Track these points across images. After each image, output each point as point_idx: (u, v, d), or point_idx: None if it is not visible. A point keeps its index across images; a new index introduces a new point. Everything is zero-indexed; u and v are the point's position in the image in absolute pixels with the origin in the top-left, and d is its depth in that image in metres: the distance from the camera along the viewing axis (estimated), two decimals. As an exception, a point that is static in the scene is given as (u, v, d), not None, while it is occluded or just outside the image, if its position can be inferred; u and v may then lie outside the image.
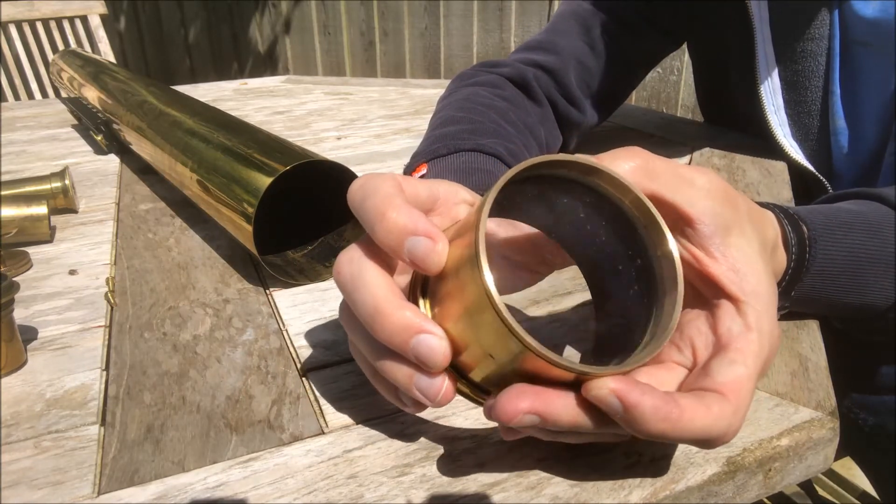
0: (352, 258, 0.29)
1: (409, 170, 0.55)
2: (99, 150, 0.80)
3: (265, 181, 0.44)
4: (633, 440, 0.30)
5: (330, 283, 0.47)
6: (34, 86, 1.63)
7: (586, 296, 0.44)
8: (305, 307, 0.44)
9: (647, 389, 0.25)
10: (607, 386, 0.25)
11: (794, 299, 0.38)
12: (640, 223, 0.29)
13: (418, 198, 0.31)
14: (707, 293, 0.30)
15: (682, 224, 0.30)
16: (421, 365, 0.27)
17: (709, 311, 0.30)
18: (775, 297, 0.30)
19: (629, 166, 0.29)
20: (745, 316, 0.29)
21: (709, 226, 0.29)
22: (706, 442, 0.27)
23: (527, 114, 0.65)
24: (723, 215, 0.30)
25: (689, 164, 0.68)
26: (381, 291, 0.28)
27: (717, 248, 0.30)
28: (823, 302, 0.39)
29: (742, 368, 0.28)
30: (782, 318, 0.40)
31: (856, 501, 1.03)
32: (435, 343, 0.27)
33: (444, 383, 0.28)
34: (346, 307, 0.31)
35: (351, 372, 0.37)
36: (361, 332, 0.30)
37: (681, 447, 0.31)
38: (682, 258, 0.30)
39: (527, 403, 0.26)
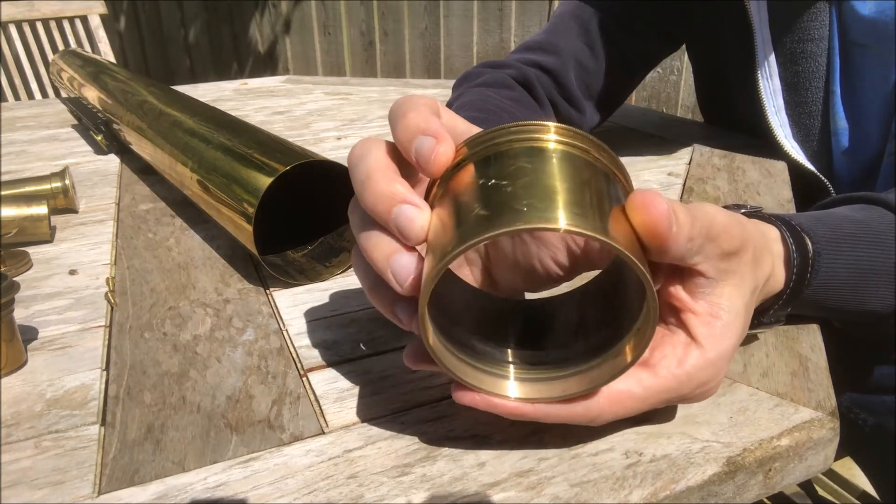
0: (367, 141, 0.31)
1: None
2: (99, 150, 0.80)
3: (265, 181, 0.44)
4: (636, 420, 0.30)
5: (330, 283, 0.47)
6: (34, 86, 1.63)
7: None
8: (305, 307, 0.44)
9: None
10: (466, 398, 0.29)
11: (793, 307, 0.38)
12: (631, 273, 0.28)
13: (456, 129, 0.32)
14: (672, 319, 0.31)
15: (687, 271, 0.30)
16: (401, 236, 0.28)
17: (661, 325, 0.31)
18: (730, 354, 0.31)
19: (694, 228, 0.28)
20: (688, 357, 0.30)
21: (710, 280, 0.30)
22: (575, 423, 0.30)
23: (535, 116, 0.65)
24: (727, 270, 0.30)
25: (689, 164, 0.68)
26: (380, 164, 0.29)
27: (706, 297, 0.30)
28: (824, 309, 0.39)
29: (637, 390, 0.29)
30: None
31: (856, 501, 1.03)
32: (414, 213, 0.27)
33: (416, 265, 0.28)
34: (354, 200, 0.31)
35: (351, 372, 0.37)
36: (358, 213, 0.30)
37: (681, 448, 0.31)
38: (667, 294, 0.31)
39: (422, 365, 0.30)
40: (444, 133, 0.28)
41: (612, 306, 0.31)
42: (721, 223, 0.29)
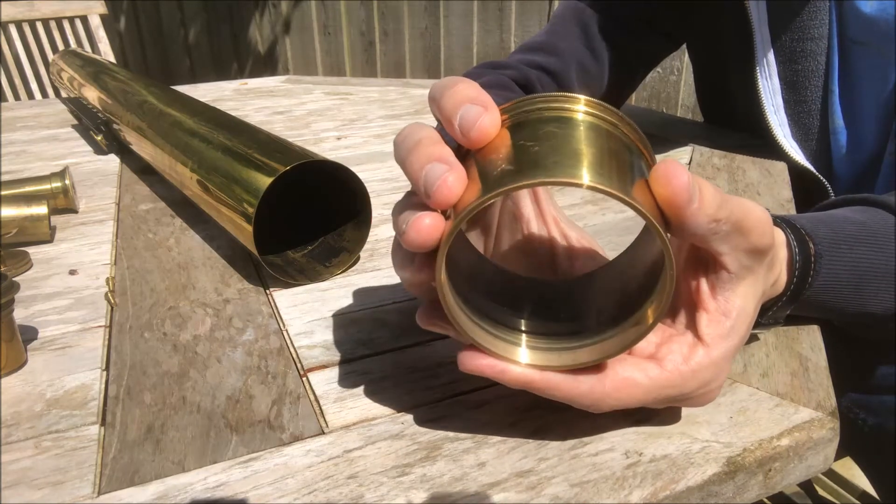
0: (416, 123, 0.30)
1: None
2: (99, 150, 0.80)
3: (265, 181, 0.44)
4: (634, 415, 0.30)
5: (330, 283, 0.47)
6: (34, 86, 1.63)
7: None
8: (305, 307, 0.44)
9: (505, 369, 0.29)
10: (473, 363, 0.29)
11: (794, 308, 0.38)
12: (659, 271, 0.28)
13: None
14: (683, 318, 0.31)
15: (712, 262, 0.30)
16: (427, 189, 0.27)
17: (669, 324, 0.32)
18: (733, 355, 0.31)
19: (721, 211, 0.28)
20: (694, 355, 0.30)
21: (731, 275, 0.30)
22: (577, 405, 0.30)
23: None
24: (748, 268, 0.30)
25: (689, 164, 0.68)
26: (432, 136, 0.29)
27: (723, 292, 0.30)
28: (824, 310, 0.39)
29: (642, 379, 0.29)
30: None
31: (856, 501, 1.03)
32: (443, 169, 0.27)
33: (429, 220, 0.27)
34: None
35: (351, 372, 0.37)
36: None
37: (681, 448, 0.31)
38: (688, 287, 0.31)
39: (435, 325, 0.31)
40: (493, 105, 0.28)
41: (627, 285, 0.31)
42: (757, 218, 0.29)
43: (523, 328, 0.31)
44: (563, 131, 0.28)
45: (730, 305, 0.30)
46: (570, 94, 0.29)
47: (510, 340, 0.30)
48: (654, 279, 0.28)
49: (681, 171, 0.26)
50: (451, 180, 0.26)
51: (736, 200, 0.28)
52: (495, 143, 0.28)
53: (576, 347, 0.30)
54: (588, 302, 0.33)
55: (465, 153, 0.29)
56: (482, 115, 0.27)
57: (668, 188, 0.26)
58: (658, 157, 0.29)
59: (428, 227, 0.27)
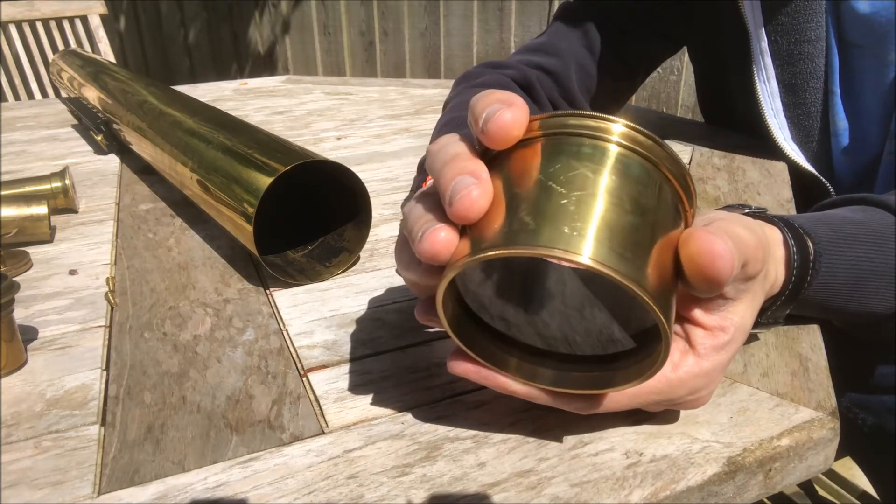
0: (451, 135, 0.30)
1: (424, 177, 0.54)
2: (99, 150, 0.80)
3: (265, 181, 0.44)
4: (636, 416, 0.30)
5: (330, 283, 0.47)
6: (34, 86, 1.63)
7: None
8: (305, 307, 0.44)
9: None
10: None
11: (793, 307, 0.38)
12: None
13: None
14: (678, 329, 0.31)
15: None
16: (451, 197, 0.27)
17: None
18: (726, 366, 0.31)
19: (738, 266, 0.27)
20: (683, 363, 0.30)
21: (728, 299, 0.30)
22: (563, 409, 0.31)
23: None
24: (745, 290, 0.30)
25: (689, 164, 0.68)
26: (467, 151, 0.28)
27: (718, 311, 0.30)
28: (824, 309, 0.39)
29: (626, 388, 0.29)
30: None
31: (856, 501, 1.03)
32: (471, 182, 0.26)
33: (444, 234, 0.27)
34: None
35: (351, 372, 0.37)
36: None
37: (681, 448, 0.31)
38: (683, 309, 0.31)
39: (430, 321, 0.31)
40: (520, 105, 0.27)
41: (620, 338, 0.31)
42: (753, 248, 0.29)
43: (521, 339, 0.31)
44: (596, 177, 0.26)
45: (727, 323, 0.30)
46: (608, 118, 0.27)
47: (504, 350, 0.30)
48: (649, 341, 0.28)
49: (724, 249, 0.26)
50: (476, 194, 0.26)
51: (739, 239, 0.28)
52: (525, 169, 0.27)
53: (563, 370, 0.30)
54: (582, 337, 0.32)
55: (490, 165, 0.29)
56: (502, 110, 0.27)
57: (710, 265, 0.26)
58: None
59: (443, 240, 0.27)
